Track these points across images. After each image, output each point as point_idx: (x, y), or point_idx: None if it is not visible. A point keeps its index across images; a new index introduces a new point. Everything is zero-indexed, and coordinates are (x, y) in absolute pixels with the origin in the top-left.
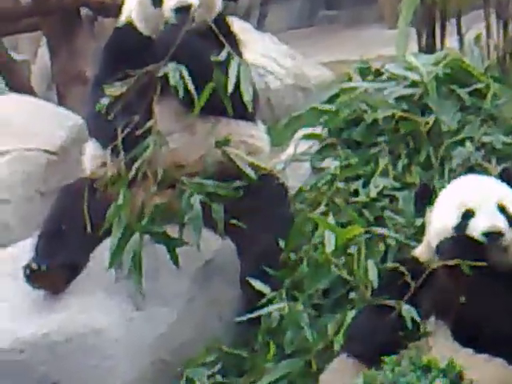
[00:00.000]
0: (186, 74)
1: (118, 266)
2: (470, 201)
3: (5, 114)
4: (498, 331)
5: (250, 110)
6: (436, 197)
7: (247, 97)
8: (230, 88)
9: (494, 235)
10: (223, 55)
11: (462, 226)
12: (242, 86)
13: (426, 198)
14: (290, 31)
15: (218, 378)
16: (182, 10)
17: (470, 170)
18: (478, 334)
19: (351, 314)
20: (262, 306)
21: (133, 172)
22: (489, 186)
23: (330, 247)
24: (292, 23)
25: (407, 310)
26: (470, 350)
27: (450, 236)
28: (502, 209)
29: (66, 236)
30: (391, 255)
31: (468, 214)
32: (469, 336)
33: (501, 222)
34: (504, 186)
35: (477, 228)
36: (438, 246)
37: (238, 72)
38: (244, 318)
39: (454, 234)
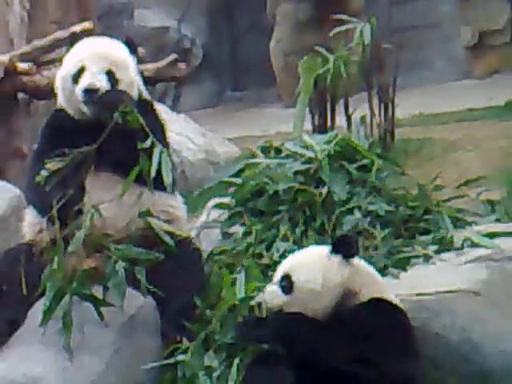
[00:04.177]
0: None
1: (53, 321)
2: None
3: None
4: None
5: (170, 187)
6: None
7: (168, 180)
8: (153, 173)
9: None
10: (148, 143)
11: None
12: (163, 171)
13: None
14: (201, 110)
15: None
16: (91, 91)
17: (359, 234)
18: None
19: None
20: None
21: (71, 246)
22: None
23: (240, 294)
24: (202, 103)
25: None
26: None
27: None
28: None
29: (6, 295)
30: None
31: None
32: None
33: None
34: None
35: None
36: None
37: (160, 159)
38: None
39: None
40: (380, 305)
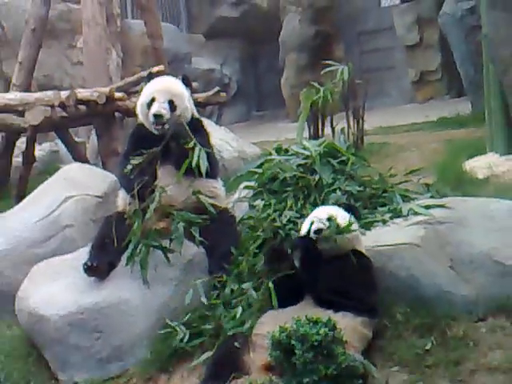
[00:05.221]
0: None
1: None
2: None
3: (73, 175)
4: (341, 297)
5: (206, 174)
6: None
7: (202, 169)
8: (193, 164)
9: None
10: (191, 145)
11: None
12: (200, 163)
13: None
14: (235, 124)
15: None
16: (158, 116)
17: (339, 205)
18: (329, 300)
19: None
20: (222, 286)
21: (147, 214)
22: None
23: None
24: (236, 119)
25: None
26: (330, 311)
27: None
28: None
29: (107, 246)
30: None
31: None
32: (324, 301)
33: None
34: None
35: None
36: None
37: (198, 156)
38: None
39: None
40: (362, 254)
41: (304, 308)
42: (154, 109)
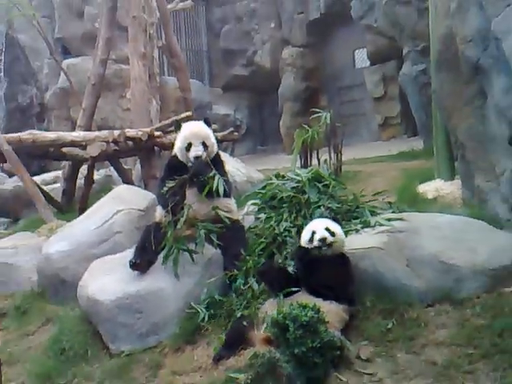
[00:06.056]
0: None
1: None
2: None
3: (122, 193)
4: (328, 289)
5: (222, 194)
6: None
7: (220, 192)
8: (214, 188)
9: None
10: (211, 174)
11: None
12: (219, 188)
13: None
14: (245, 156)
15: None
16: (197, 157)
17: (325, 218)
18: (319, 291)
19: None
20: (234, 279)
21: (178, 225)
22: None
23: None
24: (245, 152)
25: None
26: (320, 299)
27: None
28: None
29: (147, 248)
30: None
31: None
32: (315, 292)
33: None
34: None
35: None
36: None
37: (218, 182)
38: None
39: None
40: (344, 255)
41: (300, 297)
42: (194, 152)
